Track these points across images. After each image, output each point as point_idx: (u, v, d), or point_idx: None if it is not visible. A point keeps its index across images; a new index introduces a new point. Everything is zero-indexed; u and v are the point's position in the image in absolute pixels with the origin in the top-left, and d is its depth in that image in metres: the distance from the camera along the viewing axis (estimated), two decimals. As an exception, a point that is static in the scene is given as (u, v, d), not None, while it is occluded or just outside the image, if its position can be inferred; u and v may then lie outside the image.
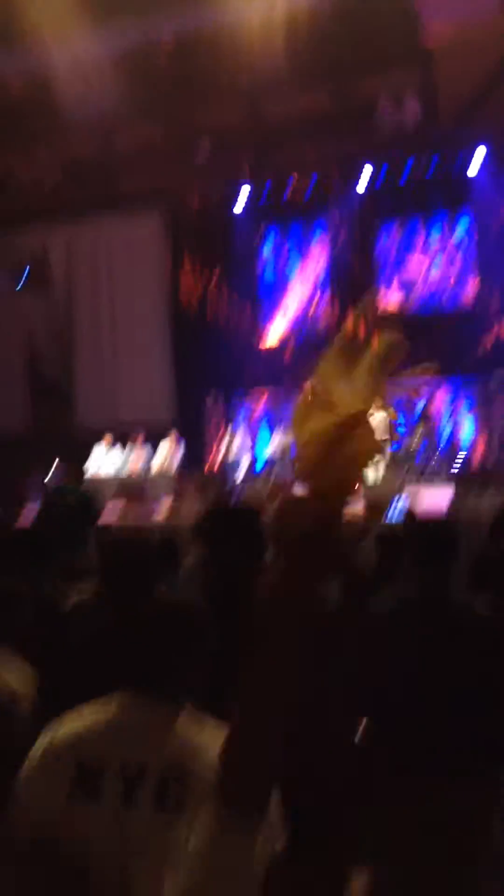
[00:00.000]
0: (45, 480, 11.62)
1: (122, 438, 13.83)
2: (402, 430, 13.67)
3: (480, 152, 13.59)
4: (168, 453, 13.73)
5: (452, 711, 2.46)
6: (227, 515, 2.57)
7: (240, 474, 12.94)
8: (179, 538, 4.76)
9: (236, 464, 13.14)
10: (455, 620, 2.55)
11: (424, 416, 13.90)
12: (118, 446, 13.67)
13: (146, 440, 13.86)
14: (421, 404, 14.20)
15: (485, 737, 2.52)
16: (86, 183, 14.82)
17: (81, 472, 6.68)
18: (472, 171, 13.86)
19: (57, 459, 12.10)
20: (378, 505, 5.87)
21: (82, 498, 6.25)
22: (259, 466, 13.93)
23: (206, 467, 14.78)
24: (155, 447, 13.81)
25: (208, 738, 1.56)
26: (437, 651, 2.49)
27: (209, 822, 0.86)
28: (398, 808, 2.51)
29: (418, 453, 13.26)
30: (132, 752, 1.55)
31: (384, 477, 12.01)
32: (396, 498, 7.62)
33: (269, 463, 14.16)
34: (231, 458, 13.36)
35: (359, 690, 2.43)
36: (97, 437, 13.73)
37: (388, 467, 12.62)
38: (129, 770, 1.53)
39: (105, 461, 13.31)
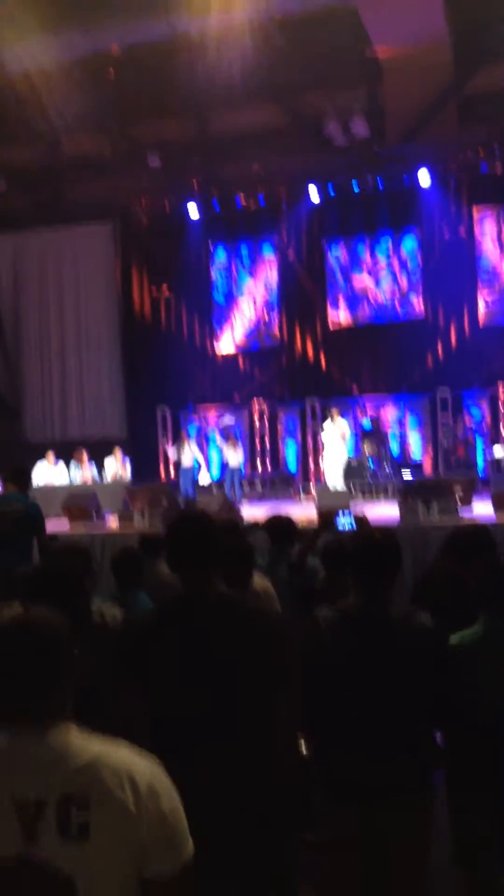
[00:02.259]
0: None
1: (66, 455, 13.61)
2: (351, 445, 13.82)
3: (426, 170, 13.85)
4: (118, 466, 13.60)
5: (390, 725, 2.45)
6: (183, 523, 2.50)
7: (188, 490, 12.86)
8: (130, 548, 4.70)
9: (185, 480, 13.07)
10: (395, 633, 2.54)
11: (373, 431, 14.05)
12: (60, 463, 13.45)
13: (92, 457, 13.66)
14: (367, 421, 14.36)
15: (421, 752, 2.52)
16: (33, 193, 14.66)
17: (27, 485, 6.52)
18: (418, 188, 14.10)
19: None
20: (329, 515, 5.87)
21: (26, 507, 6.14)
22: (209, 479, 13.88)
23: (157, 480, 14.68)
24: (100, 464, 13.65)
25: (100, 757, 1.50)
26: (375, 664, 2.48)
27: None
28: (337, 830, 2.49)
29: (367, 468, 13.39)
30: (24, 784, 1.47)
31: (335, 489, 12.11)
32: (347, 510, 7.67)
33: (220, 475, 14.15)
34: (181, 470, 13.29)
35: (300, 705, 2.40)
36: (44, 453, 13.51)
37: (340, 479, 12.73)
38: (24, 804, 1.46)
39: (51, 475, 13.11)
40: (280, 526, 5.05)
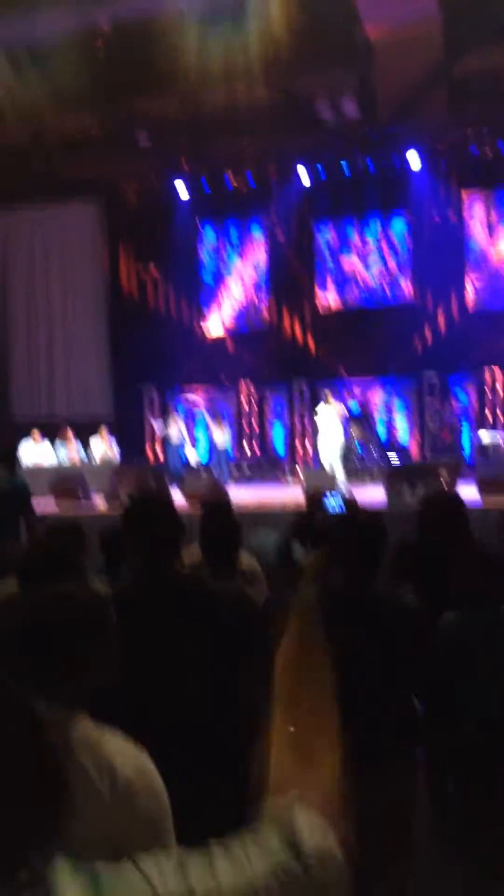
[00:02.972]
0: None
1: (51, 433, 13.59)
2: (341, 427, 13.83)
3: (416, 151, 13.80)
4: (105, 446, 13.58)
5: (373, 703, 2.48)
6: (146, 505, 2.53)
7: (177, 467, 12.88)
8: (116, 530, 4.70)
9: (174, 457, 13.08)
10: (379, 612, 2.57)
11: (360, 415, 14.09)
12: (46, 441, 13.42)
13: (78, 435, 13.65)
14: (355, 404, 14.38)
15: (403, 728, 2.56)
16: (20, 171, 14.48)
17: (14, 464, 6.54)
18: (409, 169, 14.06)
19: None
20: (317, 497, 5.90)
21: (13, 486, 6.16)
22: (197, 459, 13.90)
23: (144, 460, 14.68)
24: (86, 443, 13.63)
25: (88, 744, 1.51)
26: (360, 640, 2.51)
27: None
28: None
29: (354, 451, 13.43)
30: None
31: (332, 471, 12.04)
32: (335, 492, 7.71)
33: (207, 456, 14.17)
34: (168, 451, 13.30)
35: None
36: (30, 431, 13.48)
37: (338, 462, 12.73)
38: None
39: (38, 453, 13.08)
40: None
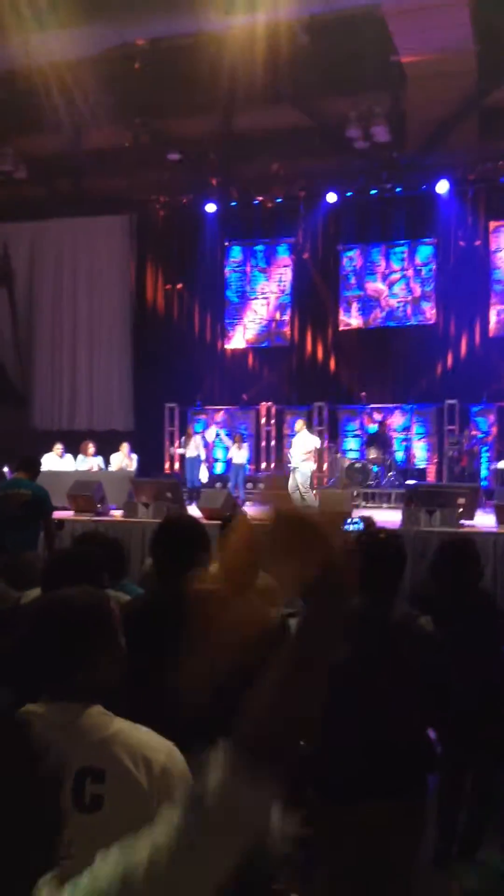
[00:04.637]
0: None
1: (72, 445, 13.64)
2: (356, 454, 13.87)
3: (445, 177, 13.87)
4: (123, 460, 13.62)
5: (387, 726, 2.47)
6: (177, 526, 2.57)
7: (195, 477, 12.95)
8: (130, 541, 4.74)
9: (193, 466, 13.13)
10: (395, 635, 2.57)
11: (378, 438, 14.05)
12: (68, 456, 13.47)
13: (99, 451, 13.67)
14: (374, 428, 14.37)
15: (416, 753, 2.55)
16: (53, 183, 14.71)
17: (36, 473, 6.62)
18: (437, 195, 14.13)
19: (5, 464, 11.95)
20: (335, 518, 5.90)
21: (34, 494, 6.22)
22: (206, 477, 13.91)
23: (162, 474, 14.72)
24: (107, 458, 13.66)
25: (119, 735, 1.58)
26: (374, 664, 2.51)
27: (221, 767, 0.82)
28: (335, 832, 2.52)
29: (373, 474, 13.39)
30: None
31: (340, 493, 12.05)
32: (351, 518, 7.71)
33: (225, 473, 14.18)
34: (186, 460, 13.35)
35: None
36: (53, 443, 13.52)
37: (344, 484, 12.72)
38: None
39: (58, 466, 13.12)
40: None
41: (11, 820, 0.91)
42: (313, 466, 12.63)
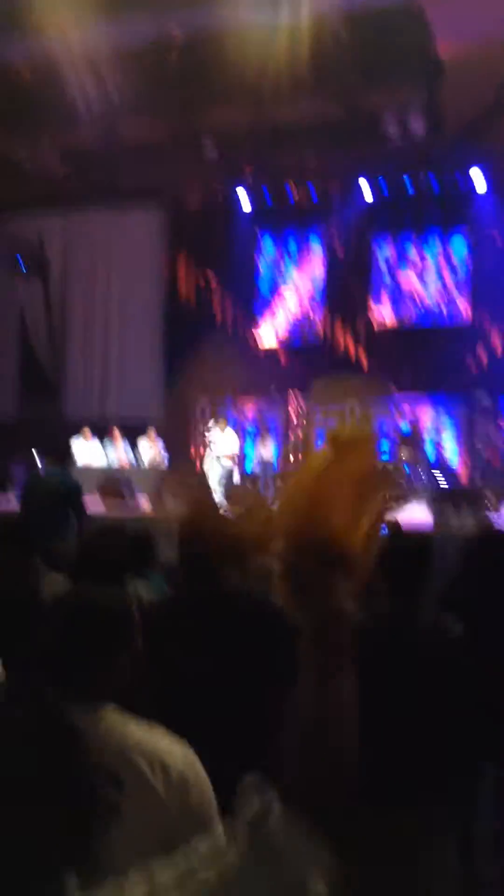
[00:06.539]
0: (28, 467, 11.58)
1: (102, 433, 13.79)
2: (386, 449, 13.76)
3: (481, 171, 13.68)
4: (152, 449, 13.69)
5: (417, 730, 2.44)
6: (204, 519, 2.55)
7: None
8: (159, 533, 4.74)
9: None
10: (424, 639, 2.54)
11: (409, 434, 13.93)
12: (96, 440, 13.62)
13: (126, 436, 13.80)
14: (406, 425, 14.25)
15: (446, 757, 2.51)
16: (86, 174, 14.75)
17: (66, 463, 6.67)
18: (473, 189, 13.94)
19: (36, 451, 12.06)
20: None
21: (64, 485, 6.26)
22: (244, 469, 13.91)
23: (191, 466, 14.75)
24: (133, 444, 13.76)
25: (135, 738, 1.55)
26: (405, 669, 2.47)
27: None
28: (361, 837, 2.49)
29: (402, 472, 13.29)
30: None
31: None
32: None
33: (254, 467, 14.16)
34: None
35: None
36: (82, 430, 13.69)
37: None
38: None
39: (89, 454, 13.24)
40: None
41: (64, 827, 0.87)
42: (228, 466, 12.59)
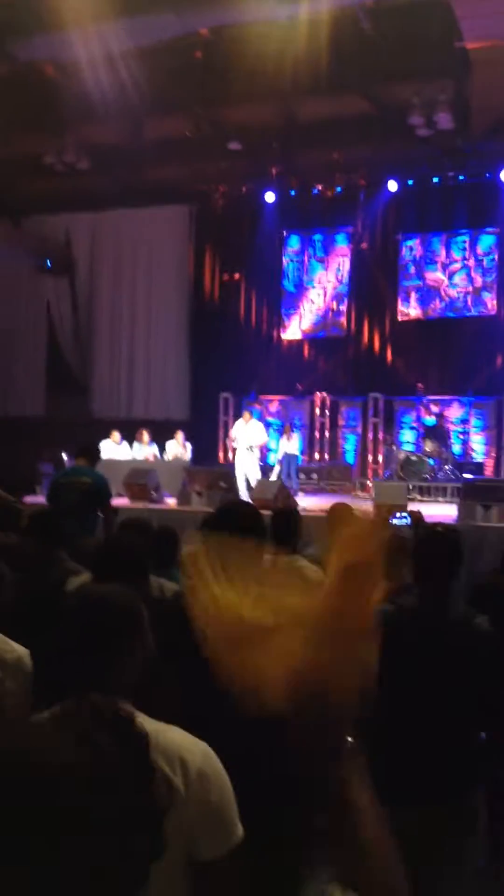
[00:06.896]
0: (56, 466, 11.70)
1: (129, 433, 13.82)
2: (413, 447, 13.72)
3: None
4: (180, 450, 13.72)
5: (441, 726, 2.43)
6: (233, 512, 2.55)
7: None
8: (184, 529, 4.76)
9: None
10: (452, 633, 2.52)
11: (436, 431, 13.85)
12: (125, 443, 13.64)
13: (154, 437, 13.82)
14: (431, 420, 14.17)
15: (469, 755, 2.50)
16: (113, 172, 14.82)
17: (96, 460, 6.73)
18: (500, 185, 13.82)
19: (63, 450, 12.17)
20: (387, 511, 5.85)
21: (94, 481, 6.31)
22: (268, 465, 13.91)
23: (216, 463, 14.77)
24: (162, 446, 13.78)
25: (154, 738, 1.51)
26: (431, 662, 2.47)
27: None
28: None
29: (430, 467, 13.22)
30: None
31: (394, 485, 11.95)
32: (403, 511, 7.63)
33: (278, 463, 14.15)
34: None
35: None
36: (111, 431, 13.71)
37: (399, 477, 12.60)
38: None
39: (116, 454, 13.30)
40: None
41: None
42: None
